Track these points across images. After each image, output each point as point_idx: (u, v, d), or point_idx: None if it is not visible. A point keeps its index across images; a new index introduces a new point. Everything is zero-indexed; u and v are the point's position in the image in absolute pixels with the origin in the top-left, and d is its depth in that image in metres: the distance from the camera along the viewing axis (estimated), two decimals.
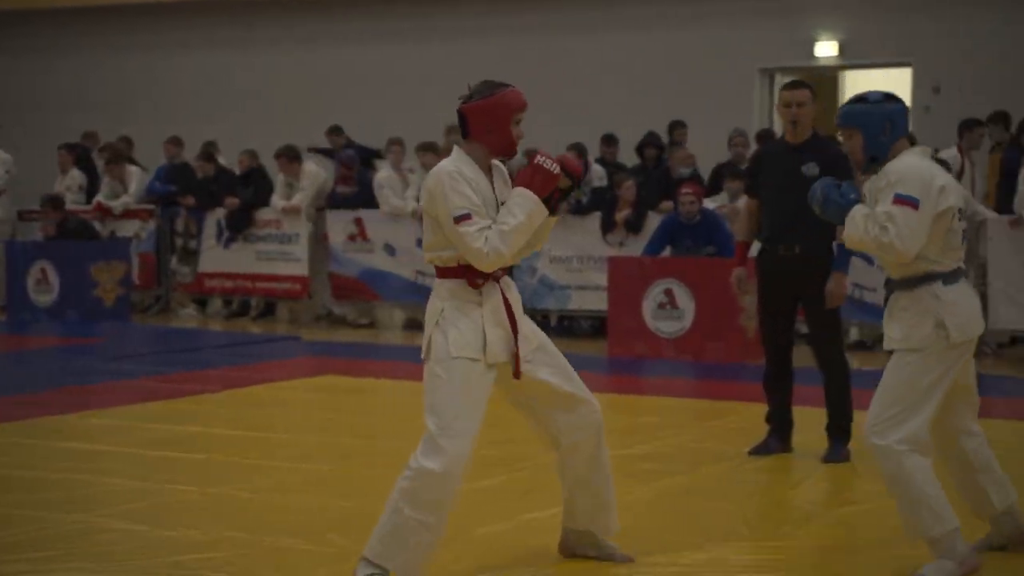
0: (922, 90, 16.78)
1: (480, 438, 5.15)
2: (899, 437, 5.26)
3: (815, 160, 7.54)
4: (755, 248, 8.00)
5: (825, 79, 18.35)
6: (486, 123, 5.18)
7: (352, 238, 14.96)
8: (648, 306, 12.39)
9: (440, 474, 5.03)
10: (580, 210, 13.74)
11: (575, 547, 5.63)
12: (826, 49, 17.35)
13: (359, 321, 15.19)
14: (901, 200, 5.26)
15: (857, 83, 19.20)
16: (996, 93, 15.56)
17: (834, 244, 7.46)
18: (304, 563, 5.62)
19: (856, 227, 5.36)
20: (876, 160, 5.48)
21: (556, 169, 5.18)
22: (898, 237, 5.24)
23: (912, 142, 5.55)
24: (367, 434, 8.67)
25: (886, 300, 5.60)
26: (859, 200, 5.46)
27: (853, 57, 17.36)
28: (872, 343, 12.85)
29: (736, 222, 8.42)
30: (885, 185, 5.35)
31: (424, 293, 15.12)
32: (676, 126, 15.11)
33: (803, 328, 8.64)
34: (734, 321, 12.00)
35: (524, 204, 5.12)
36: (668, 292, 12.30)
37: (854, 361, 11.67)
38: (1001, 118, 13.70)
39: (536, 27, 18.61)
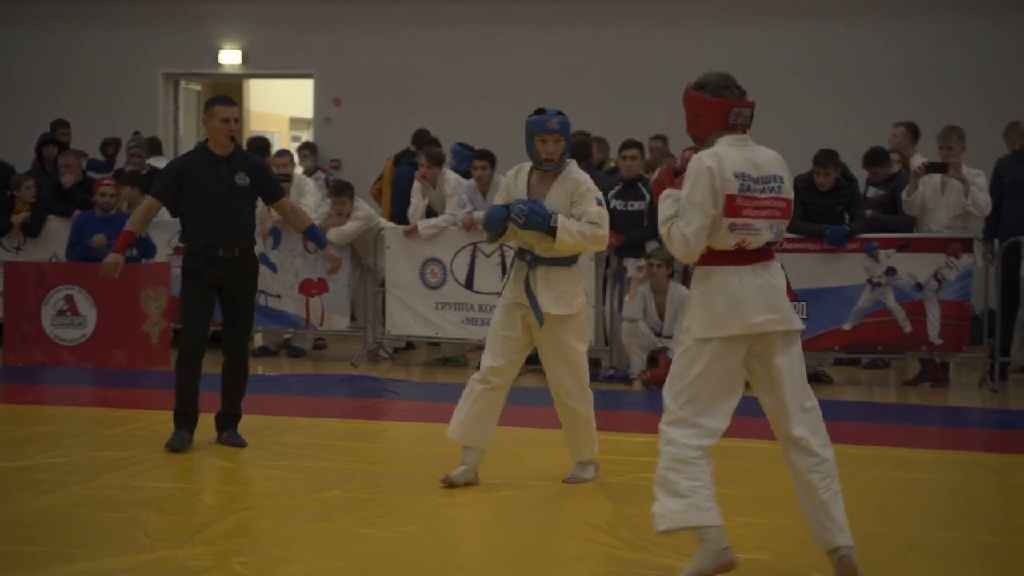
0: (324, 101, 17.27)
1: None
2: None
3: (244, 171, 8.19)
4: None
5: (230, 86, 18.52)
6: None
7: None
8: (47, 313, 12.01)
9: None
10: None
11: None
12: (230, 57, 17.49)
13: None
14: (600, 203, 6.90)
15: (261, 91, 19.55)
16: (395, 106, 16.33)
17: (309, 227, 8.59)
18: None
19: (571, 234, 6.80)
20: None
21: None
22: (605, 228, 6.91)
23: None
24: None
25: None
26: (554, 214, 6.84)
27: (256, 66, 17.61)
28: (276, 349, 13.08)
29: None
30: (586, 191, 6.86)
31: None
32: (59, 124, 14.63)
33: None
34: (137, 327, 11.86)
35: None
36: (68, 298, 11.97)
37: (259, 367, 11.91)
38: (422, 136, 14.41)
39: None
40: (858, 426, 9.42)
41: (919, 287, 11.15)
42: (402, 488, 7.13)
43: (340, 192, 12.54)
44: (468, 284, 12.00)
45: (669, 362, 11.01)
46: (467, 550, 6.19)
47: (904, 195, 11.28)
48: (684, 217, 5.23)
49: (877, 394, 11.33)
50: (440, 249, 12.06)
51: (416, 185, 12.39)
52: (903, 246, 11.14)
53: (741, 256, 5.26)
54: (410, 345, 13.21)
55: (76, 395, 10.62)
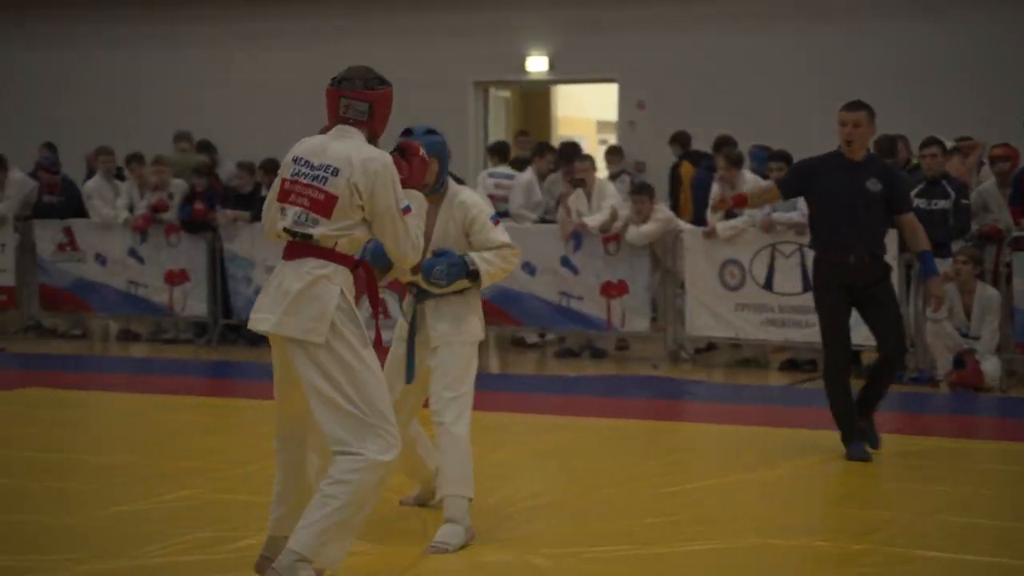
0: (627, 105, 17.39)
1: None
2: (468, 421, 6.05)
3: (876, 176, 8.15)
4: None
5: (537, 93, 18.87)
6: (387, 112, 5.30)
7: (62, 248, 14.61)
8: None
9: (391, 463, 5.08)
10: None
11: None
12: (537, 64, 17.80)
13: (71, 332, 14.88)
14: (497, 221, 6.22)
15: (569, 97, 19.82)
16: (697, 109, 16.30)
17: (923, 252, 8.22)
18: None
19: (493, 265, 6.13)
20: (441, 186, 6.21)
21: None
22: (514, 243, 6.22)
23: None
24: (68, 448, 8.50)
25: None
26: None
27: (562, 72, 17.84)
28: (580, 350, 13.24)
29: None
30: (478, 216, 6.16)
31: (138, 304, 14.55)
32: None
33: None
34: None
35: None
36: None
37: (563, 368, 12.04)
38: (681, 137, 14.71)
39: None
40: None
41: None
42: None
43: (640, 192, 12.66)
44: (767, 285, 11.93)
45: (976, 363, 10.74)
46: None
47: None
48: None
49: None
50: (739, 250, 12.04)
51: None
52: None
53: (288, 249, 5.17)
54: (711, 346, 13.21)
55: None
